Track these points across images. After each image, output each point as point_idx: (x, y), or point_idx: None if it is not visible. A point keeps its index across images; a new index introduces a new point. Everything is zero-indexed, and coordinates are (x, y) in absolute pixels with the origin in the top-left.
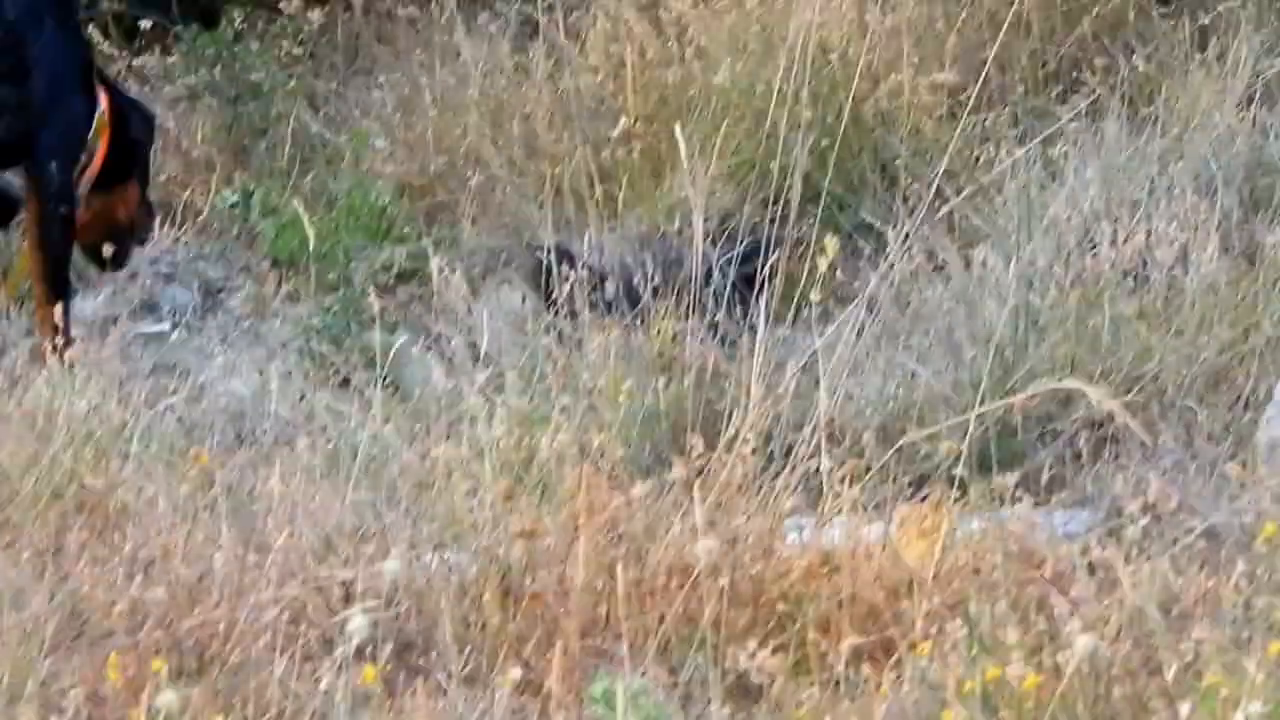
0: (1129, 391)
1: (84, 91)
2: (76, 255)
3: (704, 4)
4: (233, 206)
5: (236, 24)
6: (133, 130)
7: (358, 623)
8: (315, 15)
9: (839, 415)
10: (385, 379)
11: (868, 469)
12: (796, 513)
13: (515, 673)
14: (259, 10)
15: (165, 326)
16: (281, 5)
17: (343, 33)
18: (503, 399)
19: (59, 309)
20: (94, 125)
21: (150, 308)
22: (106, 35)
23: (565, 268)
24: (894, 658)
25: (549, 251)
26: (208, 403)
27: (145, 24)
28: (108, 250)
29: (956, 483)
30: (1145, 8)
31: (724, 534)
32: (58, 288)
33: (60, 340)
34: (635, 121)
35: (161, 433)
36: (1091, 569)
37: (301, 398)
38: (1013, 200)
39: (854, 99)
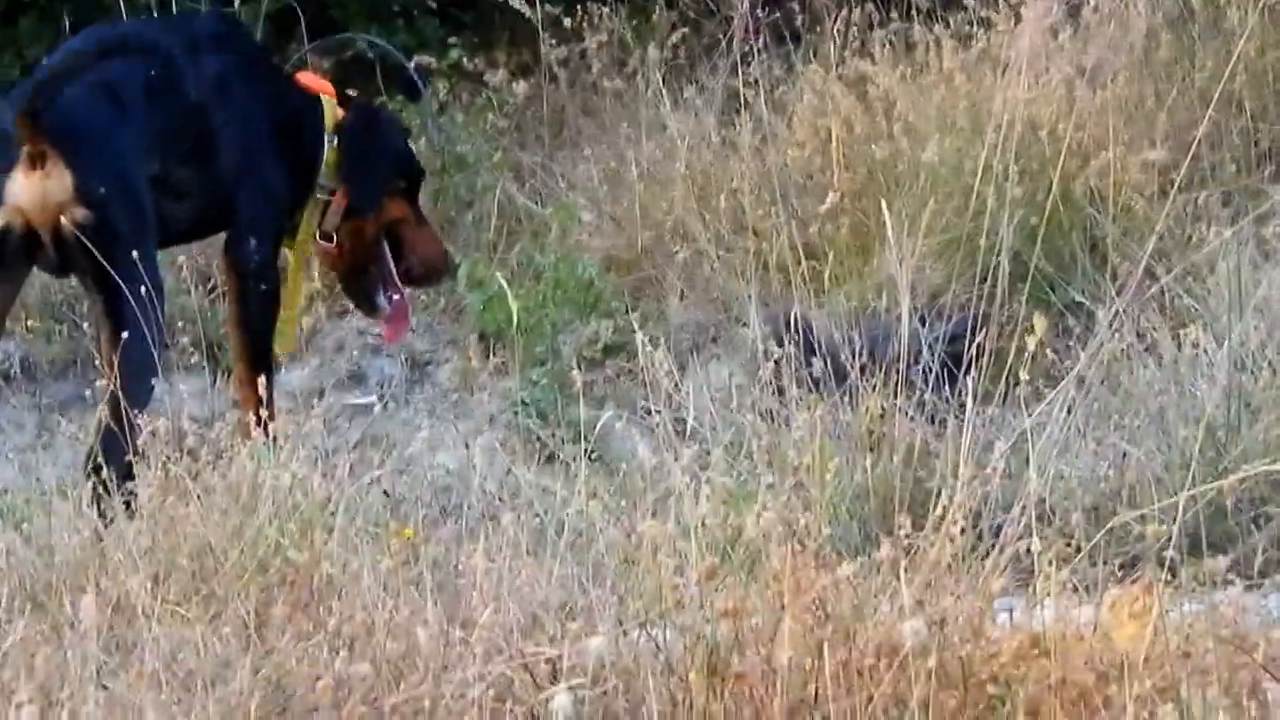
0: None
1: (282, 152)
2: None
3: (912, 80)
4: None
5: (442, 96)
6: (379, 140)
7: (563, 700)
8: (520, 88)
9: (1049, 495)
10: (591, 454)
11: (1078, 550)
12: (1006, 594)
13: None
14: (464, 82)
15: (373, 399)
16: (486, 78)
17: (548, 105)
18: (709, 476)
19: (261, 384)
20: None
21: (358, 380)
22: None
23: (773, 344)
24: None
25: (756, 327)
26: (414, 476)
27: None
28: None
29: (1168, 565)
30: None
31: (932, 614)
32: (259, 364)
33: (264, 415)
34: (843, 197)
35: (366, 506)
36: None
37: (507, 472)
38: (1224, 280)
39: (1063, 176)
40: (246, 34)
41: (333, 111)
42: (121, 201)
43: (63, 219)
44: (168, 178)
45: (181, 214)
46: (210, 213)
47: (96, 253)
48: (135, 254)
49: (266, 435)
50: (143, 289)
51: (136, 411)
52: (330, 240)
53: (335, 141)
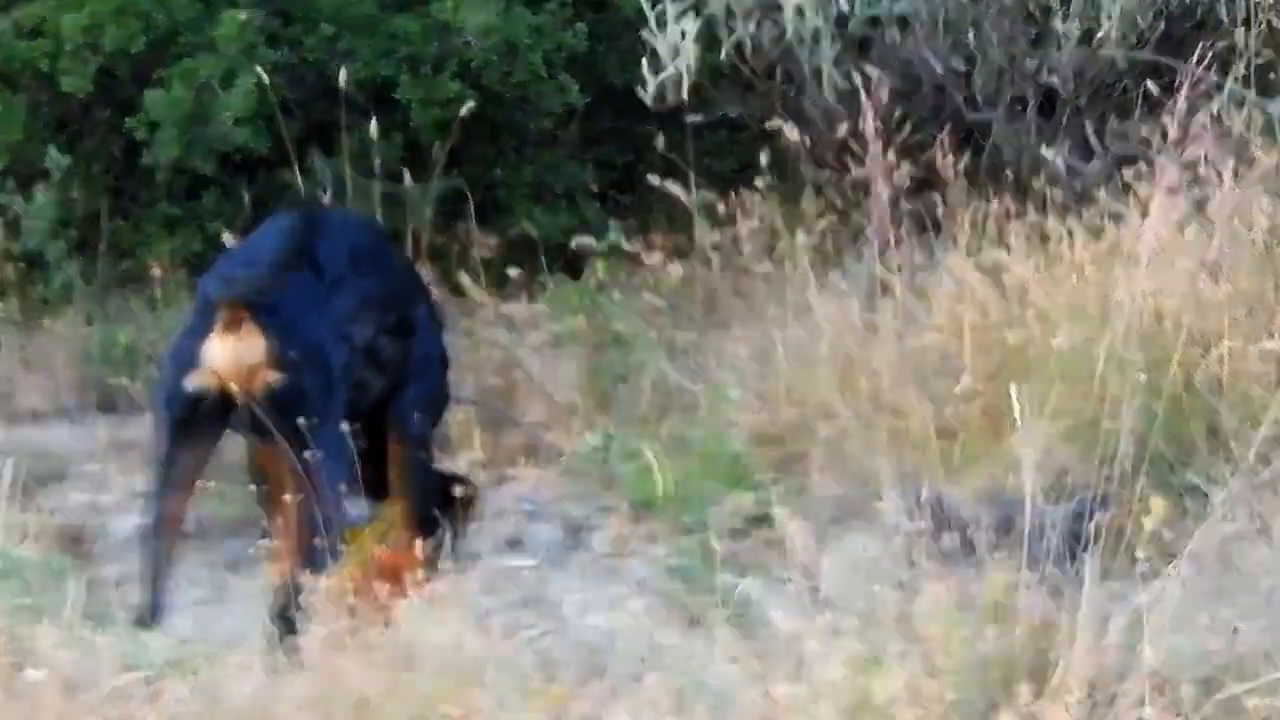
0: None
1: (443, 375)
2: None
3: (1045, 269)
4: (595, 450)
5: (600, 275)
6: None
7: None
8: (675, 269)
9: (1163, 667)
10: (731, 619)
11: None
12: None
13: None
14: (622, 262)
15: (529, 561)
16: (643, 258)
17: (701, 287)
18: (842, 642)
19: (425, 545)
20: None
21: (515, 543)
22: (477, 282)
23: (907, 518)
24: None
25: (892, 502)
26: (566, 636)
27: (514, 272)
28: None
29: None
30: None
31: None
32: (424, 526)
33: (427, 575)
34: (976, 381)
35: (519, 664)
36: None
37: (653, 635)
38: None
39: (1185, 365)
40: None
41: None
42: (312, 367)
43: (255, 383)
44: (373, 348)
45: (377, 386)
46: (387, 390)
47: (289, 416)
48: (324, 416)
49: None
50: (332, 450)
51: (314, 569)
52: None
53: None
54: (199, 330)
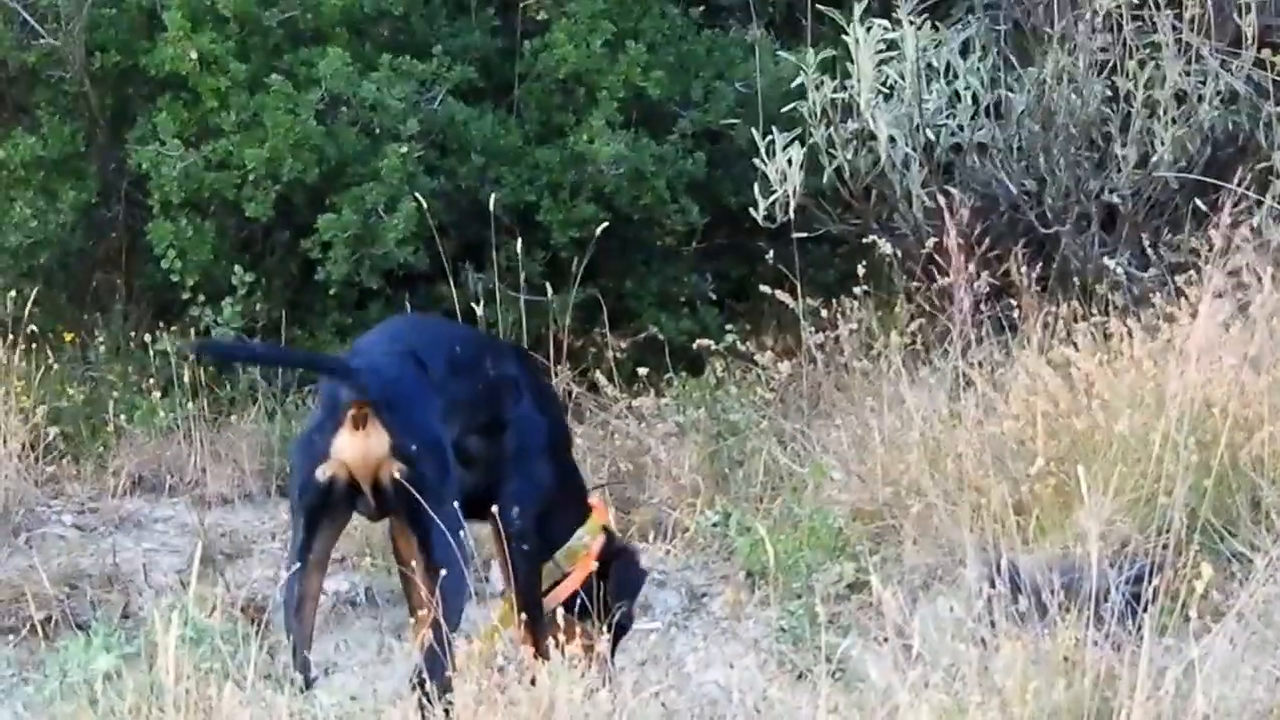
0: None
1: (554, 464)
2: None
3: (1108, 364)
4: (714, 525)
5: (718, 372)
6: (615, 577)
7: None
8: (784, 366)
9: (1213, 713)
10: (834, 674)
11: None
12: None
13: None
14: (738, 361)
15: (657, 625)
16: (756, 357)
17: (806, 381)
18: (928, 695)
19: (537, 629)
20: (571, 543)
21: (643, 608)
22: (610, 380)
23: (987, 584)
24: None
25: (974, 570)
26: (688, 691)
27: (642, 371)
28: None
29: None
30: None
31: None
32: (531, 611)
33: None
34: (1048, 462)
35: (646, 717)
36: None
37: (765, 689)
38: None
39: (1231, 446)
40: (542, 369)
41: (596, 522)
42: (430, 457)
43: (380, 473)
44: (460, 444)
45: (468, 480)
46: (482, 485)
47: (411, 501)
48: (442, 501)
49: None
50: (451, 529)
51: (452, 633)
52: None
53: (584, 543)
54: (327, 426)
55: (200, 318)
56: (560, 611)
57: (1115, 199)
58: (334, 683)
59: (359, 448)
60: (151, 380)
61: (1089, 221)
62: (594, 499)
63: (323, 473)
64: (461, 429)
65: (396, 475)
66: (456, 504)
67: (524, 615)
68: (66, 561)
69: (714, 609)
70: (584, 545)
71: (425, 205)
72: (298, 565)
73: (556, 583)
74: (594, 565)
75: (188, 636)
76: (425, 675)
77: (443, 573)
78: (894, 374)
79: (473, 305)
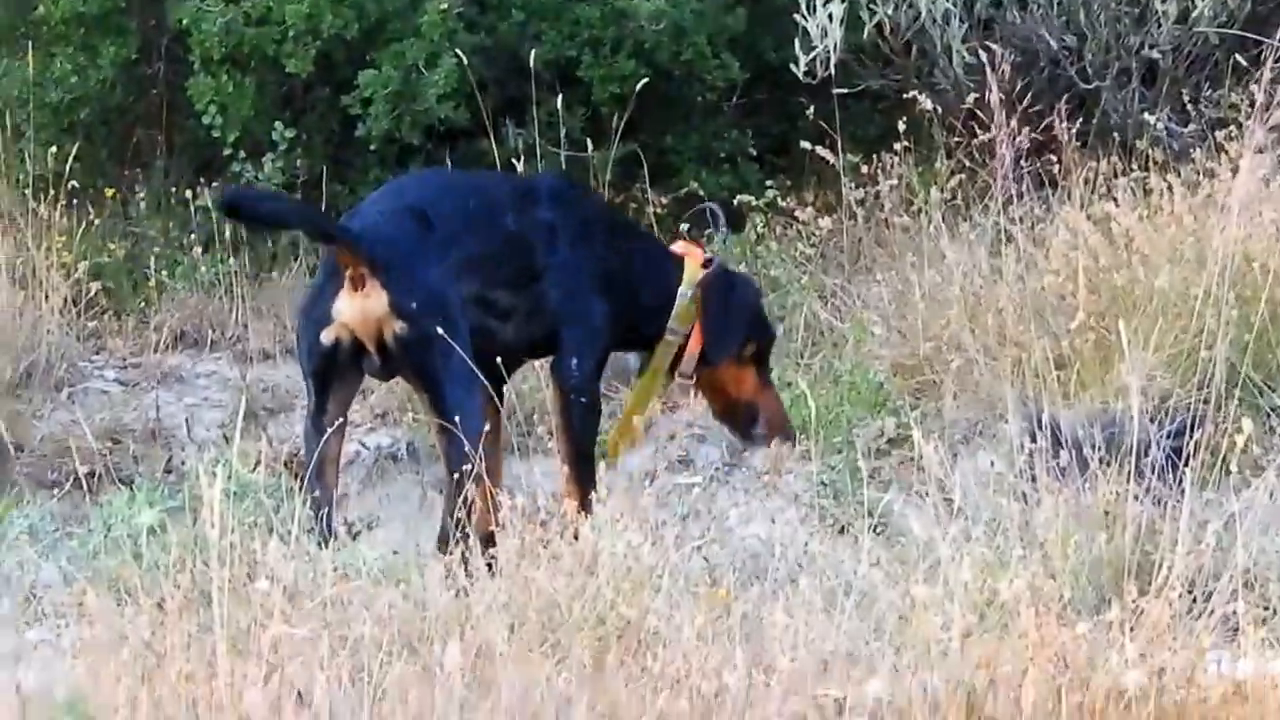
0: None
1: (608, 297)
2: None
3: (1148, 219)
4: None
5: (759, 228)
6: (734, 300)
7: None
8: (825, 222)
9: (1253, 566)
10: (875, 529)
11: (1275, 612)
12: (1215, 648)
13: None
14: (778, 217)
15: (697, 479)
16: (797, 213)
17: (847, 237)
18: (970, 548)
19: (581, 481)
20: (678, 304)
21: (685, 463)
22: None
23: (1028, 439)
24: None
25: (1015, 424)
26: (729, 545)
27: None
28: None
29: None
30: None
31: (1153, 666)
32: (579, 465)
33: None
34: (1089, 317)
35: (688, 570)
36: None
37: (806, 543)
38: None
39: (1272, 301)
40: (583, 197)
41: (694, 270)
42: (431, 313)
43: (383, 332)
44: (486, 298)
45: (506, 332)
46: (536, 335)
47: (416, 359)
48: (448, 356)
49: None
50: (460, 384)
51: (457, 478)
52: (690, 379)
53: (692, 295)
54: (328, 289)
55: (241, 173)
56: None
57: (1155, 54)
58: (376, 536)
59: (358, 308)
60: (192, 236)
61: (1129, 77)
62: (677, 247)
63: (327, 335)
64: (483, 283)
65: (398, 333)
66: (466, 358)
67: (572, 469)
68: (109, 417)
69: (755, 464)
70: (690, 300)
71: (466, 61)
72: (313, 429)
73: (681, 348)
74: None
75: (231, 491)
76: (445, 529)
77: (452, 427)
78: (934, 229)
79: (513, 161)
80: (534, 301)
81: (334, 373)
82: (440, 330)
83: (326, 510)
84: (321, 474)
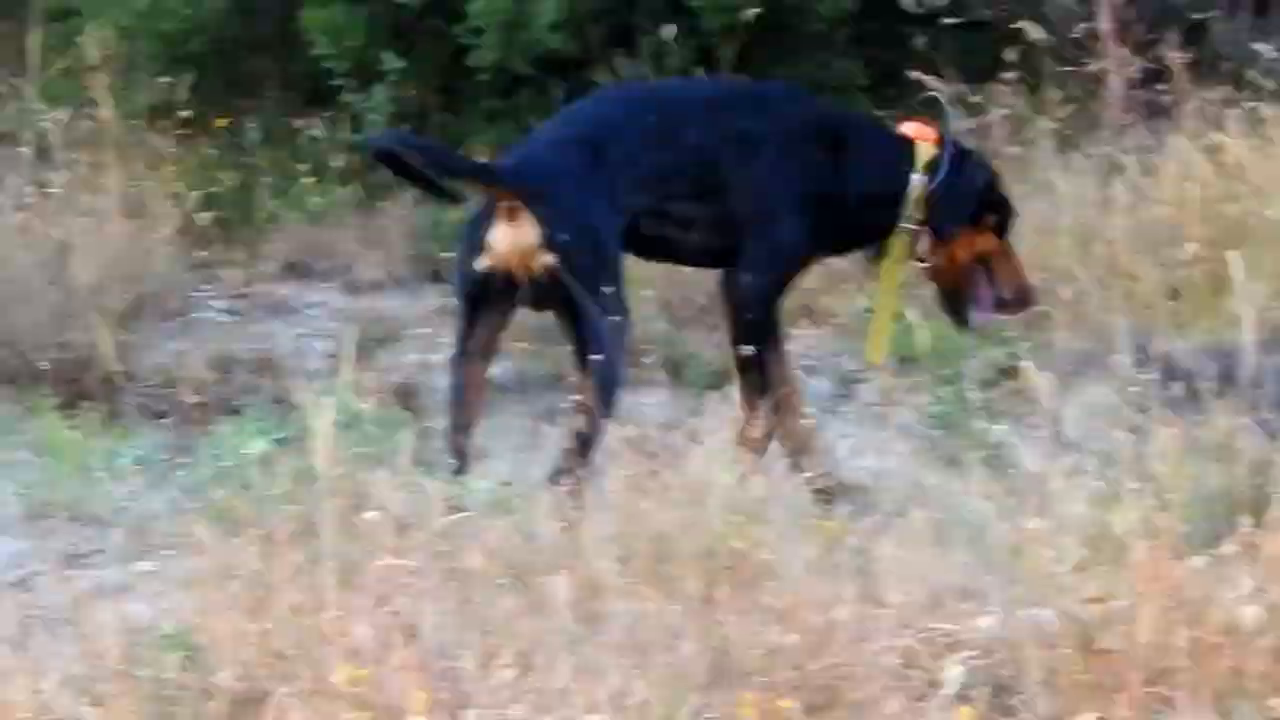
0: None
1: (802, 215)
2: None
3: (1259, 150)
4: (866, 311)
5: None
6: (965, 175)
7: (957, 670)
8: None
9: None
10: (986, 461)
11: None
12: None
13: (1090, 716)
14: None
15: (814, 412)
16: None
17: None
18: (1083, 481)
19: (754, 403)
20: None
21: None
22: None
23: (1139, 370)
24: None
25: (1127, 356)
26: (840, 477)
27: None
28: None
29: None
30: None
31: (1269, 600)
32: (749, 381)
33: (755, 432)
34: (1200, 248)
35: (798, 502)
36: None
37: (916, 475)
38: None
39: None
40: (789, 99)
41: (928, 151)
42: (583, 246)
43: (533, 263)
44: (664, 210)
45: (688, 241)
46: (721, 245)
47: (566, 291)
48: (596, 290)
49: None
50: (608, 318)
51: (605, 419)
52: (923, 263)
53: (928, 180)
54: (484, 218)
55: (351, 103)
56: None
57: None
58: (486, 468)
59: (510, 239)
60: (303, 166)
61: (1240, 5)
62: (909, 129)
63: (479, 264)
64: (660, 197)
65: (548, 266)
66: (617, 293)
67: (741, 385)
68: (219, 346)
69: (864, 396)
70: (924, 185)
71: None
72: (459, 354)
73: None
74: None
75: (340, 421)
76: (571, 460)
77: (598, 359)
78: (1044, 160)
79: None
80: (719, 213)
81: (485, 301)
82: (591, 265)
83: (461, 438)
84: (461, 398)
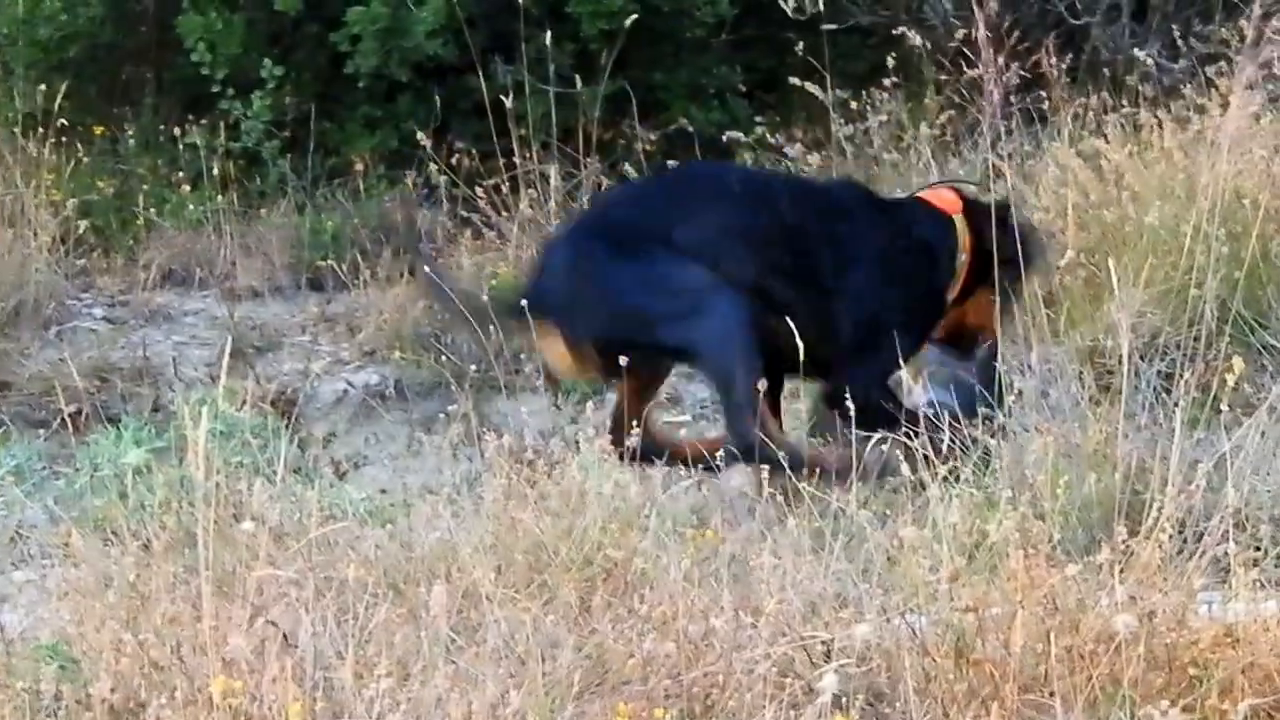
0: None
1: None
2: None
3: (1138, 155)
4: None
5: (748, 164)
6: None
7: (833, 678)
8: (814, 159)
9: (1244, 507)
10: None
11: (1266, 554)
12: (1206, 590)
13: None
14: (767, 152)
15: (686, 418)
16: (785, 149)
17: (836, 173)
18: (958, 490)
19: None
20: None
21: (674, 401)
22: (640, 172)
23: (1018, 377)
24: None
25: (1005, 362)
26: (713, 484)
27: (672, 163)
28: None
29: None
30: None
31: (1144, 608)
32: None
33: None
34: (1078, 254)
35: (675, 511)
36: None
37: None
38: None
39: (1262, 238)
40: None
41: (962, 228)
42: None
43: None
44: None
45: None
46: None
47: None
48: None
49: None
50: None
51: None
52: None
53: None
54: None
55: (230, 110)
56: None
57: None
58: (364, 476)
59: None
60: (181, 174)
61: (1119, 12)
62: (936, 199)
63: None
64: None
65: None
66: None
67: None
68: (97, 355)
69: None
70: (962, 261)
71: None
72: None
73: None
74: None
75: (218, 430)
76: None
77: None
78: (924, 166)
79: (501, 97)
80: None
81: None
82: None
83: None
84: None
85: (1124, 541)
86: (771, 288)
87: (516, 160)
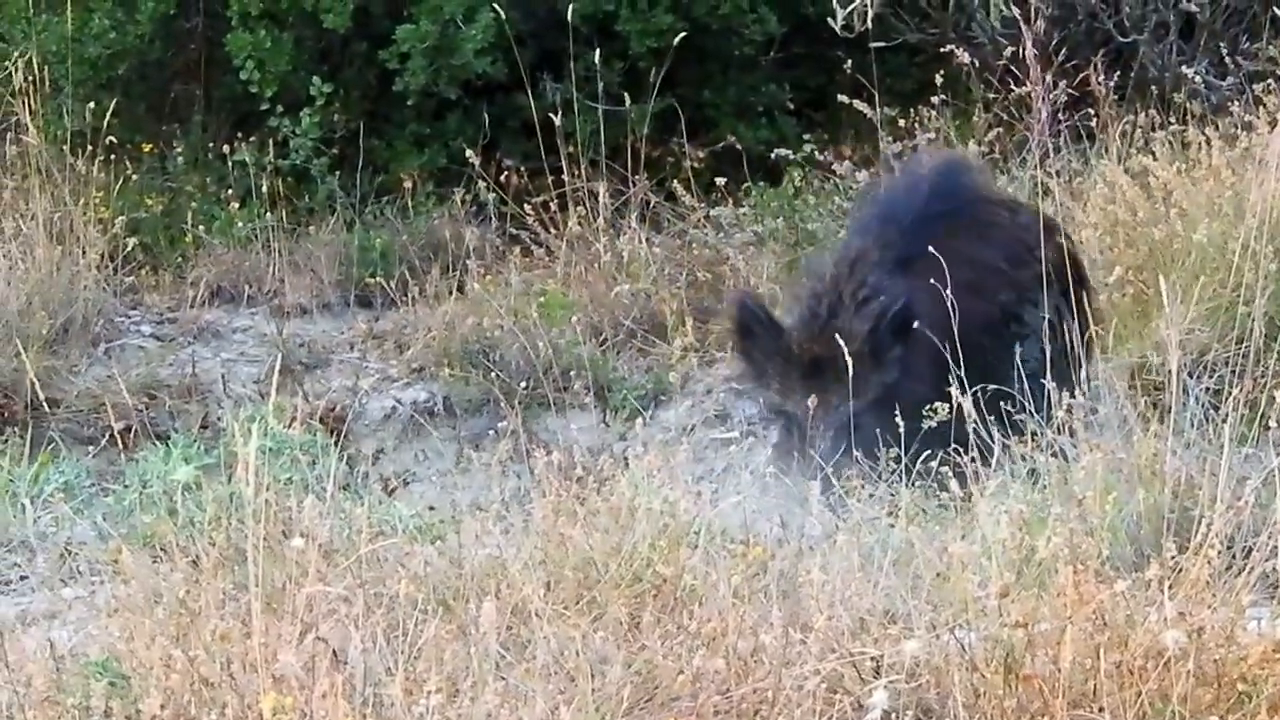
0: None
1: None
2: None
3: (1186, 173)
4: None
5: (796, 181)
6: None
7: (883, 694)
8: (862, 175)
9: None
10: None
11: None
12: (1255, 606)
13: None
14: (815, 170)
15: (735, 434)
16: (834, 166)
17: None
18: (1008, 506)
19: None
20: None
21: (723, 418)
22: (688, 189)
23: (1065, 394)
24: None
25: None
26: (766, 501)
27: (720, 180)
28: None
29: None
30: None
31: (1193, 623)
32: None
33: None
34: (1127, 271)
35: (725, 526)
36: None
37: (843, 501)
38: None
39: None
40: None
41: None
42: None
43: None
44: None
45: None
46: None
47: None
48: None
49: None
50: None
51: None
52: None
53: None
54: None
55: (278, 128)
56: None
57: (1193, 7)
58: (413, 492)
59: None
60: (230, 191)
61: (1167, 30)
62: None
63: None
64: None
65: None
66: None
67: None
68: (145, 372)
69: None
70: None
71: (503, 15)
72: None
73: None
74: None
75: (267, 447)
76: None
77: None
78: None
79: (550, 115)
80: None
81: None
82: None
83: None
84: None
85: (1173, 558)
86: None
87: (565, 178)
